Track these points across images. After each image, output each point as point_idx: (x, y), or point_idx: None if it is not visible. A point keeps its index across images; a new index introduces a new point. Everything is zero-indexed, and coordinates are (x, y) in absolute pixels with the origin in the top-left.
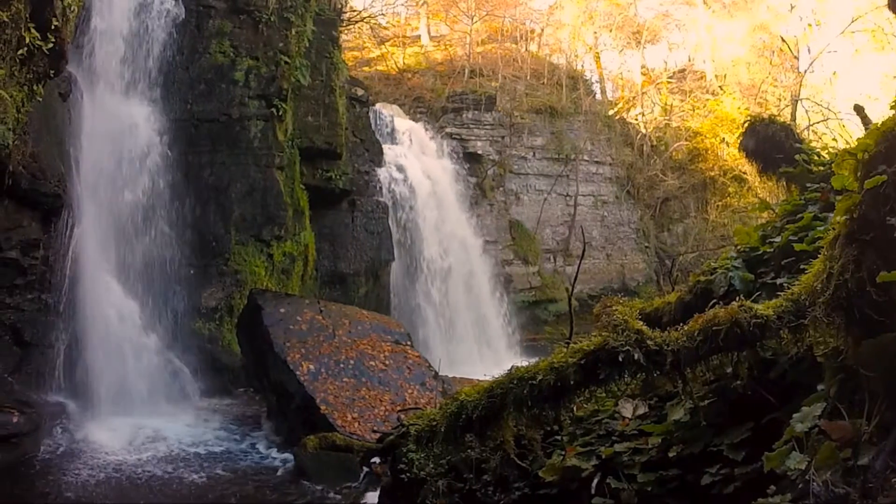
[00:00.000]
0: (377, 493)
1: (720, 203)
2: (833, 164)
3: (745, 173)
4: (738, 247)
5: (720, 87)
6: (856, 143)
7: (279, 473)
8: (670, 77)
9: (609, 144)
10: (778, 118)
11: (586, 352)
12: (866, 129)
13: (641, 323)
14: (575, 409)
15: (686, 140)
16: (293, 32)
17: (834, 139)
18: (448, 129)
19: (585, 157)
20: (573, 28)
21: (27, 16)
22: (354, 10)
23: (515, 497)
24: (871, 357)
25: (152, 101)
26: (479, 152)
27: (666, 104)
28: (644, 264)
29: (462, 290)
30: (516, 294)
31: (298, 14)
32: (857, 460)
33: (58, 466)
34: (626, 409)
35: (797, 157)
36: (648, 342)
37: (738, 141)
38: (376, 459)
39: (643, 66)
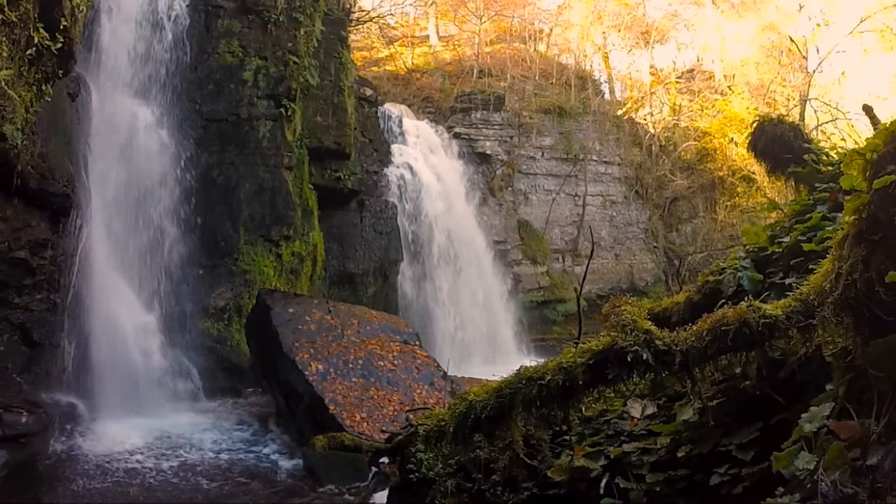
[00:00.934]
0: (386, 493)
1: (729, 203)
2: (842, 164)
3: (753, 173)
4: (747, 247)
5: (729, 87)
6: (864, 143)
7: (288, 474)
8: (679, 77)
9: (618, 144)
10: (787, 118)
11: (595, 352)
12: (875, 128)
13: (650, 323)
14: (583, 409)
15: (695, 140)
16: (302, 32)
17: (843, 139)
18: (457, 129)
19: (594, 157)
20: (582, 28)
21: (36, 16)
22: (363, 10)
23: (524, 497)
24: (879, 357)
25: (161, 101)
26: (488, 152)
27: (675, 104)
28: (653, 264)
29: (470, 290)
30: (525, 294)
31: (307, 14)
32: (865, 460)
33: (66, 466)
34: (635, 409)
35: (806, 157)
36: (657, 342)
37: (747, 141)
38: (385, 459)
39: (652, 66)
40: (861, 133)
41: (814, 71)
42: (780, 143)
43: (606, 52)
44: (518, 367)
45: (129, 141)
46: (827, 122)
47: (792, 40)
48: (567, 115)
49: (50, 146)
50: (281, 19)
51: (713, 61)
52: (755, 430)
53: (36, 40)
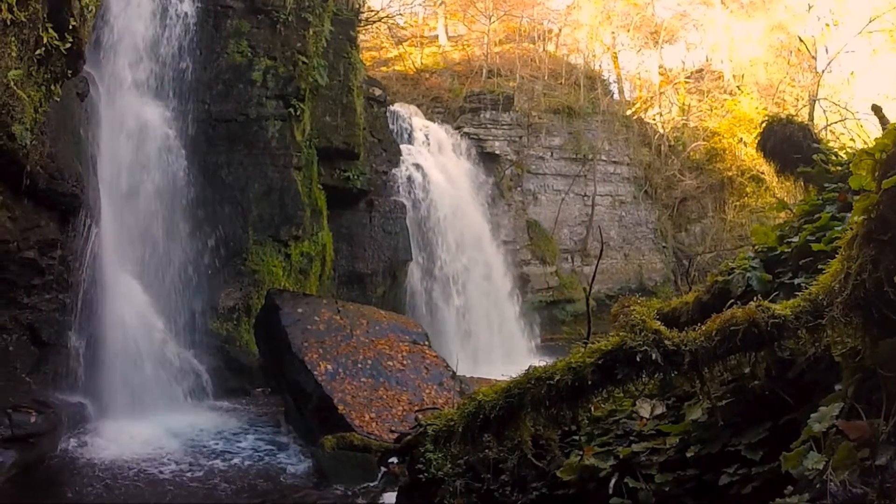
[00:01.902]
0: (395, 493)
1: (738, 203)
2: (851, 164)
3: (762, 173)
4: (756, 247)
5: (738, 87)
6: (873, 143)
7: (297, 474)
8: (688, 77)
9: (627, 144)
10: (796, 118)
11: (604, 352)
12: (884, 128)
13: (659, 323)
14: (592, 409)
15: (704, 140)
16: (311, 32)
17: (851, 139)
18: (466, 129)
19: (603, 157)
20: (591, 28)
21: (45, 16)
22: (372, 10)
23: (533, 497)
24: (888, 357)
25: (170, 101)
26: (497, 152)
27: (683, 104)
28: (662, 264)
29: (480, 290)
30: (534, 294)
31: (316, 14)
32: (874, 460)
33: (75, 466)
34: (644, 409)
35: (815, 157)
36: (666, 342)
37: (756, 141)
38: (394, 459)
39: (661, 66)
40: (870, 133)
41: (823, 71)
42: (789, 143)
43: (615, 52)
44: (527, 367)
45: (138, 141)
46: (836, 122)
47: (801, 40)
48: (576, 115)
49: (59, 146)
50: (290, 19)
51: (722, 61)
52: (764, 430)
53: (45, 40)
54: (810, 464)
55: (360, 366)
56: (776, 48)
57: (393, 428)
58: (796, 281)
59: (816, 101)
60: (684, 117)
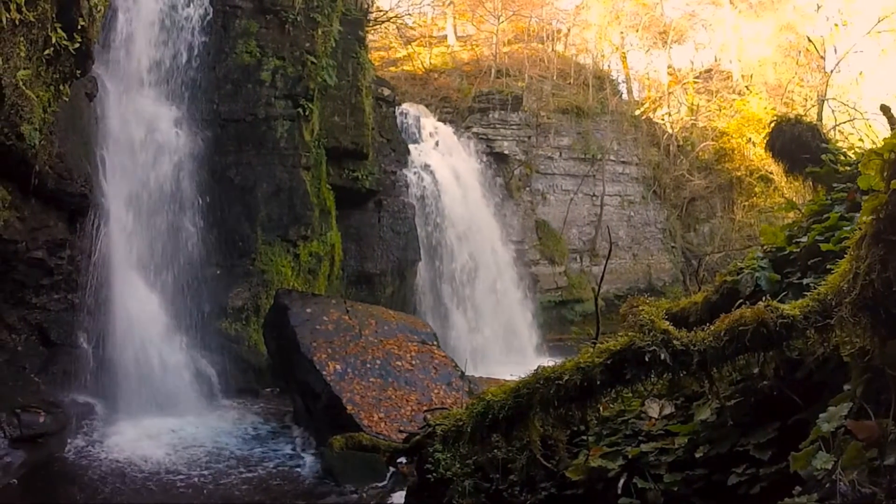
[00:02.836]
0: (403, 493)
1: (746, 203)
2: (859, 164)
3: (771, 173)
4: (765, 247)
5: (746, 87)
6: (882, 143)
7: (305, 473)
8: (697, 77)
9: (635, 144)
10: (804, 118)
11: (613, 352)
12: (893, 129)
13: (668, 323)
14: (601, 409)
15: (712, 140)
16: (319, 32)
17: (860, 139)
18: (474, 129)
19: (612, 157)
20: (599, 28)
21: (54, 16)
22: (381, 10)
23: (542, 497)
24: None
25: (178, 101)
26: (506, 152)
27: (692, 104)
28: (670, 264)
29: (488, 290)
30: (542, 294)
31: (325, 14)
32: (883, 460)
33: (83, 466)
34: (653, 409)
35: (823, 157)
36: (675, 342)
37: (765, 141)
38: (403, 459)
39: (669, 66)
40: (878, 133)
41: (831, 71)
42: (797, 143)
43: (624, 52)
44: (536, 367)
45: (146, 141)
46: (844, 122)
47: (810, 40)
48: (585, 115)
49: (68, 146)
50: (298, 19)
51: (731, 61)
52: (773, 430)
53: (54, 40)
54: (819, 464)
55: (368, 366)
56: (785, 48)
57: (402, 428)
58: (805, 281)
59: (825, 101)
60: (693, 117)
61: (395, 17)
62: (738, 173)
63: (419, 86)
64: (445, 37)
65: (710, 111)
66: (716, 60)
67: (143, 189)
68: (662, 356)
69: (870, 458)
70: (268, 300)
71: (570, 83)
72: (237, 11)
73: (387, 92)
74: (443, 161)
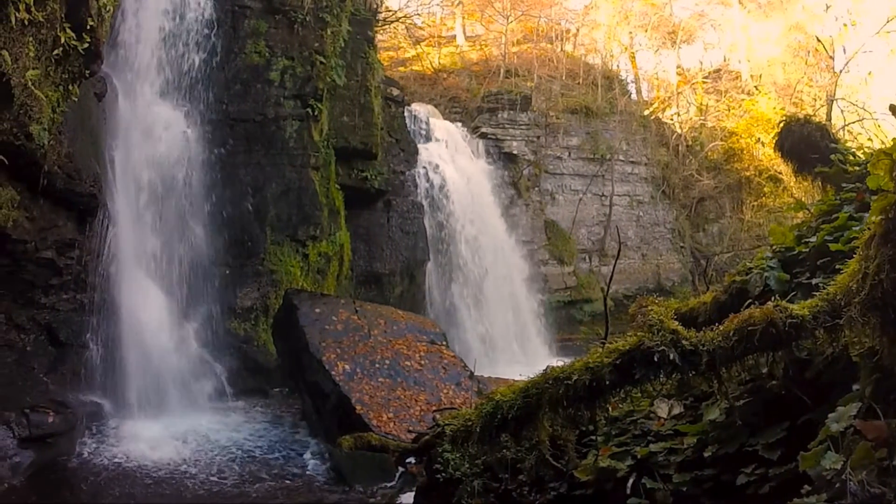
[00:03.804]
0: (413, 493)
1: (756, 203)
2: (868, 164)
3: (780, 173)
4: (774, 247)
5: (756, 87)
6: (891, 143)
7: (314, 474)
8: (706, 77)
9: (644, 144)
10: (813, 118)
11: (622, 352)
12: None
13: (677, 323)
14: (610, 409)
15: (721, 140)
16: (329, 32)
17: (869, 139)
18: (483, 129)
19: (621, 157)
20: (608, 28)
21: (62, 16)
22: (390, 10)
23: (551, 497)
24: None
25: (187, 101)
26: (515, 152)
27: (701, 104)
28: (679, 264)
29: (497, 289)
30: (552, 294)
31: (334, 14)
32: (892, 460)
33: (92, 466)
34: (662, 409)
35: (832, 157)
36: (684, 342)
37: (774, 141)
38: (412, 459)
39: (678, 66)
40: (888, 133)
41: (840, 71)
42: (806, 143)
43: (633, 52)
44: (545, 367)
45: (155, 141)
46: (853, 122)
47: (819, 40)
48: (594, 115)
49: (76, 146)
50: (308, 19)
51: (740, 61)
52: (782, 430)
53: (62, 40)
54: (828, 464)
55: (377, 366)
56: (794, 48)
57: (411, 428)
58: (814, 281)
59: (834, 101)
60: (702, 117)
61: (405, 17)
62: (748, 173)
63: (428, 86)
64: (454, 37)
65: (719, 111)
66: (725, 60)
67: (152, 189)
68: (671, 356)
69: (879, 458)
70: (277, 300)
71: (579, 83)
72: (246, 11)
73: (396, 92)
74: (452, 161)
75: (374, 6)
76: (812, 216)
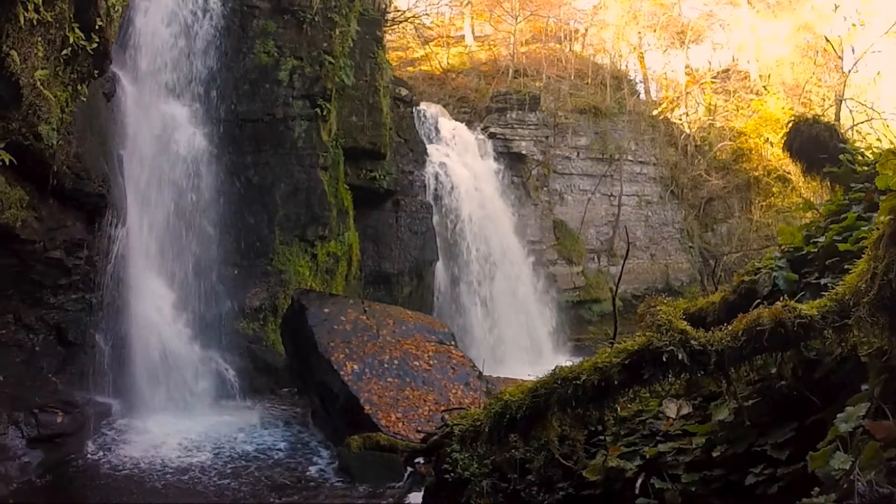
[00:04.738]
0: (421, 493)
1: (764, 203)
2: (877, 164)
3: (789, 173)
4: (782, 247)
5: (764, 87)
6: None
7: (323, 473)
8: (714, 77)
9: (653, 144)
10: (822, 118)
11: (630, 352)
12: None
13: (685, 323)
14: (619, 409)
15: (730, 140)
16: (337, 32)
17: (878, 139)
18: (492, 129)
19: (629, 157)
20: (617, 28)
21: (71, 16)
22: (398, 10)
23: (559, 497)
24: None
25: (196, 101)
26: (523, 152)
27: (710, 104)
28: (688, 264)
29: (506, 289)
30: (560, 294)
31: (342, 14)
32: None
33: (101, 466)
34: (671, 409)
35: (841, 157)
36: (692, 342)
37: (782, 141)
38: (420, 459)
39: (687, 66)
40: None
41: (849, 71)
42: (815, 143)
43: (642, 52)
44: (553, 368)
45: (164, 141)
46: (862, 122)
47: (827, 40)
48: (602, 115)
49: (85, 146)
50: (316, 19)
51: (748, 61)
52: (790, 430)
53: (71, 40)
54: (837, 464)
55: (386, 366)
56: (802, 48)
57: (419, 428)
58: (822, 281)
59: (843, 101)
60: (710, 117)
61: (413, 17)
62: (756, 173)
63: (437, 86)
64: (463, 37)
65: (727, 111)
66: (733, 60)
67: (161, 189)
68: (680, 356)
69: (888, 458)
70: (285, 300)
71: (587, 83)
72: (255, 11)
73: (404, 92)
74: (460, 161)
75: (383, 6)
76: (821, 216)
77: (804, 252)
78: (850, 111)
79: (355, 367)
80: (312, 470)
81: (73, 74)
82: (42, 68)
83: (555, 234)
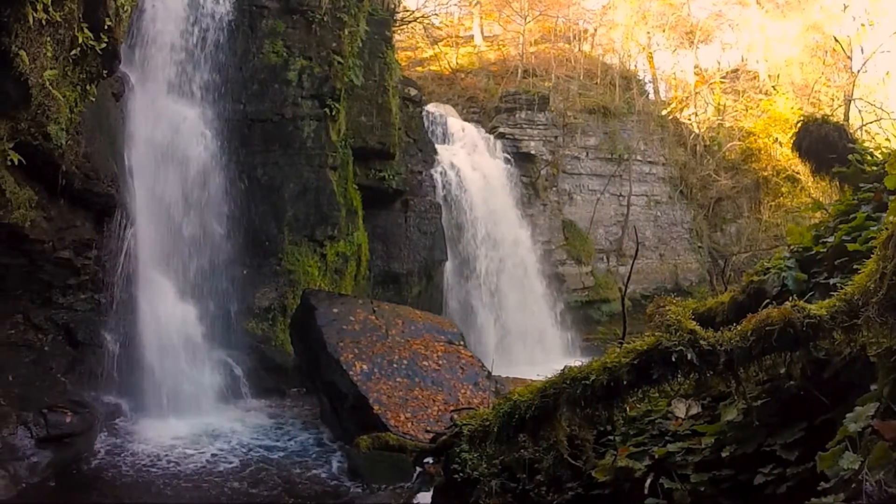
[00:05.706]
0: (430, 493)
1: (773, 203)
2: (886, 164)
3: (798, 173)
4: (791, 247)
5: (773, 87)
6: None
7: (332, 473)
8: (723, 77)
9: (662, 144)
10: (831, 118)
11: (639, 352)
12: None
13: (695, 323)
14: (628, 409)
15: (739, 140)
16: (346, 32)
17: (887, 139)
18: (501, 129)
19: (638, 157)
20: (626, 28)
21: (80, 16)
22: (407, 10)
23: (568, 497)
24: None
25: (205, 101)
26: (532, 152)
27: (719, 104)
28: (697, 264)
29: (515, 290)
30: (569, 294)
31: (351, 14)
32: None
33: (110, 466)
34: (679, 409)
35: (850, 157)
36: (702, 342)
37: (791, 141)
38: (429, 459)
39: (696, 66)
40: None
41: (858, 71)
42: (824, 143)
43: (651, 52)
44: (562, 367)
45: (173, 141)
46: (871, 122)
47: (836, 40)
48: (611, 115)
49: (94, 146)
50: (325, 19)
51: (757, 61)
52: (799, 431)
53: (80, 40)
54: (846, 464)
55: (395, 366)
56: (811, 48)
57: (428, 428)
58: (832, 281)
59: (852, 101)
60: (720, 117)
61: (422, 17)
62: (765, 173)
63: (446, 86)
64: (472, 37)
65: (736, 111)
66: (742, 60)
67: (170, 189)
68: (689, 356)
69: None
70: (294, 300)
71: (596, 83)
72: (264, 11)
73: (413, 92)
74: (469, 161)
75: (392, 6)
76: (830, 216)
77: (813, 252)
78: (860, 111)
79: (364, 366)
80: (321, 469)
81: (82, 74)
82: (51, 68)
83: (564, 234)
